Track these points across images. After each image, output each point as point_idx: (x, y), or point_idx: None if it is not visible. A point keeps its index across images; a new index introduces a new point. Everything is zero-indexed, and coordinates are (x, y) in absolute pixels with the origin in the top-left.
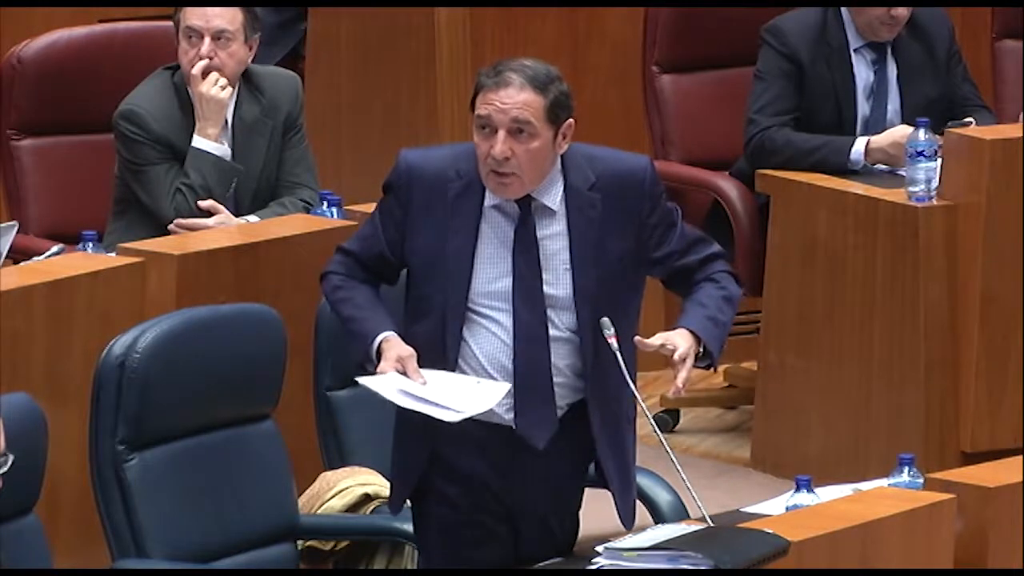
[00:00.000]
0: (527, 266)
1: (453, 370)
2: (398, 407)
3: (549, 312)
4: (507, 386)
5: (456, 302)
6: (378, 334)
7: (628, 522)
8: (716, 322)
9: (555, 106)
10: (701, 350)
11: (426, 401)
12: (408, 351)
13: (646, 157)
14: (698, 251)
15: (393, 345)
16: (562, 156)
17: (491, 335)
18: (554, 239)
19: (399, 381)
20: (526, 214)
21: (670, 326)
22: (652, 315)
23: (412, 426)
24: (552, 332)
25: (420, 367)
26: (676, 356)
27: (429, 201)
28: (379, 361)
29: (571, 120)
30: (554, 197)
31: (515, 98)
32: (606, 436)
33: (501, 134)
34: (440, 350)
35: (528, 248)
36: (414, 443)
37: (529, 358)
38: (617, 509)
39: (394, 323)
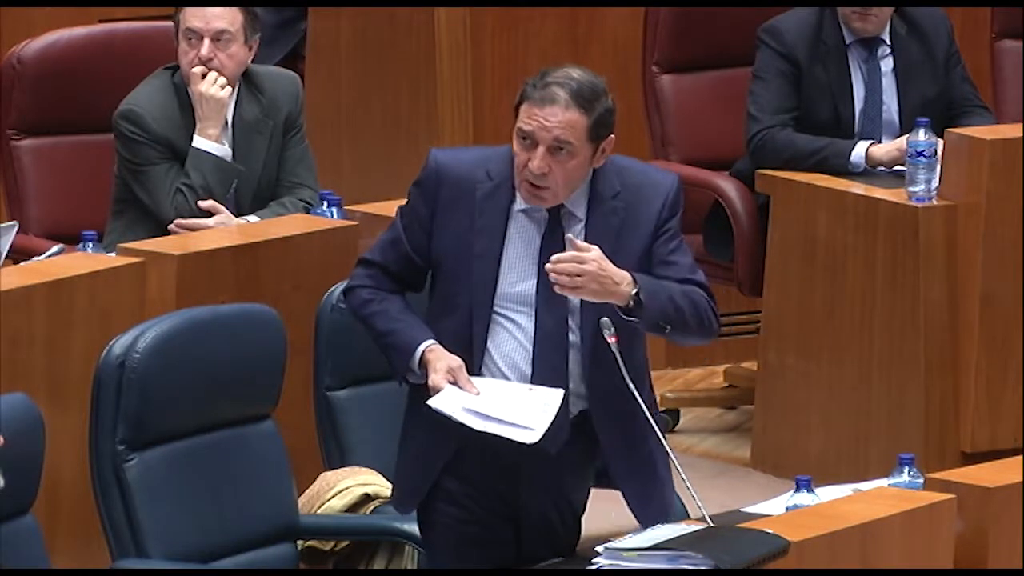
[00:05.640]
0: None
1: (478, 369)
2: (408, 408)
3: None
4: (560, 392)
5: (482, 302)
6: (419, 344)
7: (648, 522)
8: (664, 292)
9: (598, 125)
10: (632, 301)
11: (497, 420)
12: (457, 361)
13: (675, 175)
14: (694, 273)
15: (440, 355)
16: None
17: (510, 336)
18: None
19: (461, 398)
20: (554, 220)
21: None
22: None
23: (429, 429)
24: (570, 337)
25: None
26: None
27: (456, 200)
28: (424, 371)
29: (612, 136)
30: (580, 205)
31: (559, 117)
32: (615, 435)
33: (540, 150)
34: (466, 349)
35: (554, 253)
36: (433, 447)
37: (548, 363)
38: (632, 510)
39: (430, 331)
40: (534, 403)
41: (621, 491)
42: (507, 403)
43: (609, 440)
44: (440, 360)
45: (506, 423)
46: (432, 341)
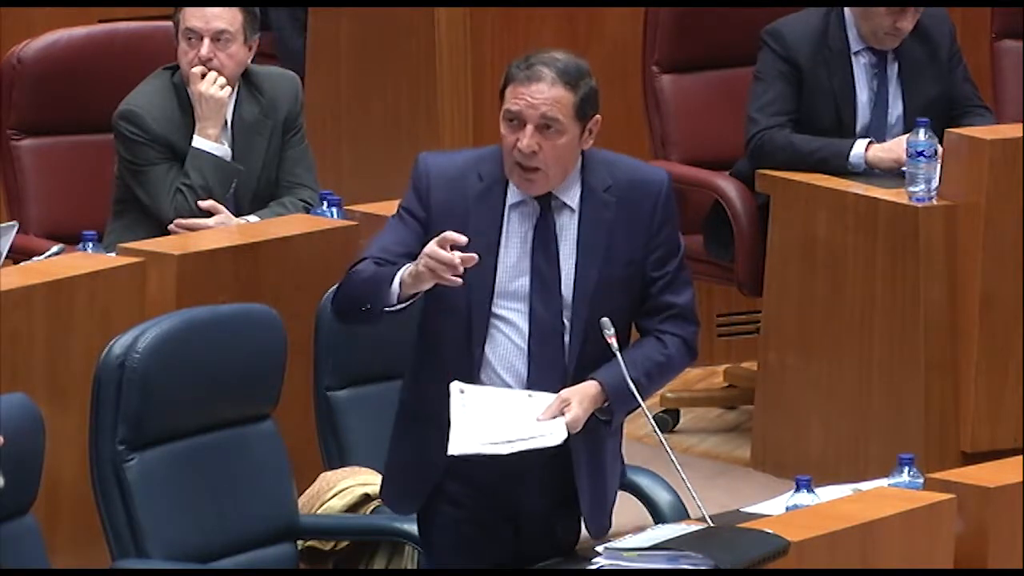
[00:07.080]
0: (546, 261)
1: (477, 373)
2: (399, 414)
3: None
4: (555, 397)
5: (480, 305)
6: (398, 271)
7: (599, 536)
8: (638, 385)
9: (584, 103)
10: (605, 405)
11: (520, 440)
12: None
13: (665, 172)
14: (676, 293)
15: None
16: (583, 157)
17: (505, 338)
18: (568, 236)
19: (477, 435)
20: (546, 210)
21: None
22: None
23: (421, 437)
24: (565, 337)
25: (443, 369)
26: (568, 419)
27: (450, 204)
28: (406, 285)
29: (598, 116)
30: (573, 196)
31: (545, 94)
32: (583, 447)
33: (529, 128)
34: (464, 354)
35: (547, 244)
36: (426, 455)
37: (544, 357)
38: (586, 524)
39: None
40: (536, 408)
41: (579, 503)
42: (517, 419)
43: (579, 450)
44: (421, 256)
45: (528, 439)
46: (410, 265)
